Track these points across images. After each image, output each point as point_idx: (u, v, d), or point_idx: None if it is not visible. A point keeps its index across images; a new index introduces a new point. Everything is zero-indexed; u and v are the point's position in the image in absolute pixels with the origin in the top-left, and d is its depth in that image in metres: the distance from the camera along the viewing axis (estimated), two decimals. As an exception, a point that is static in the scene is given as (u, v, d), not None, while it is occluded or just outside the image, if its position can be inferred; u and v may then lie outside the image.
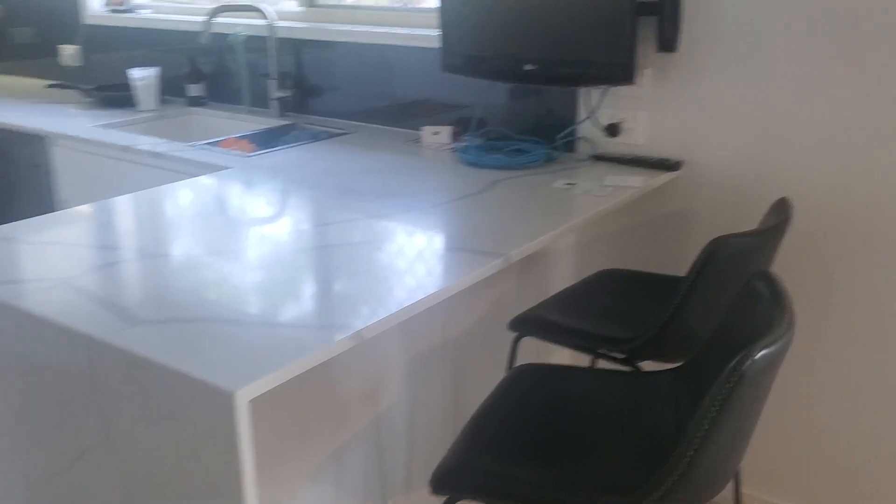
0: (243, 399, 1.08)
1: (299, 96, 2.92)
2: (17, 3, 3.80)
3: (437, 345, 1.95)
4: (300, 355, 1.17)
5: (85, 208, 1.95)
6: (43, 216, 1.89)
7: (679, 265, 2.27)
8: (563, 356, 2.47)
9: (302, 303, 1.36)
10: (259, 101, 3.01)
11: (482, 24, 2.29)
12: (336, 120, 2.85)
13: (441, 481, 1.32)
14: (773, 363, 1.14)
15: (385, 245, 1.64)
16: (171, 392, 1.16)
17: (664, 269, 2.29)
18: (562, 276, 2.47)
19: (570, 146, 2.37)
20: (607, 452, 1.40)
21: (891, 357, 2.04)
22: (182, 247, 1.67)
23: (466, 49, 2.32)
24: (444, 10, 2.35)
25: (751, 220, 2.12)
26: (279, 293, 1.41)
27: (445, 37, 2.36)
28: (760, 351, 1.09)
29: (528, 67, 2.22)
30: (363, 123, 2.80)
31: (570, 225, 1.76)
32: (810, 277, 2.08)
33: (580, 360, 2.46)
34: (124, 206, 1.95)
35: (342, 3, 2.93)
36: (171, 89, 3.19)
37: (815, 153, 2.00)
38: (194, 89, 3.11)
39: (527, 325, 1.87)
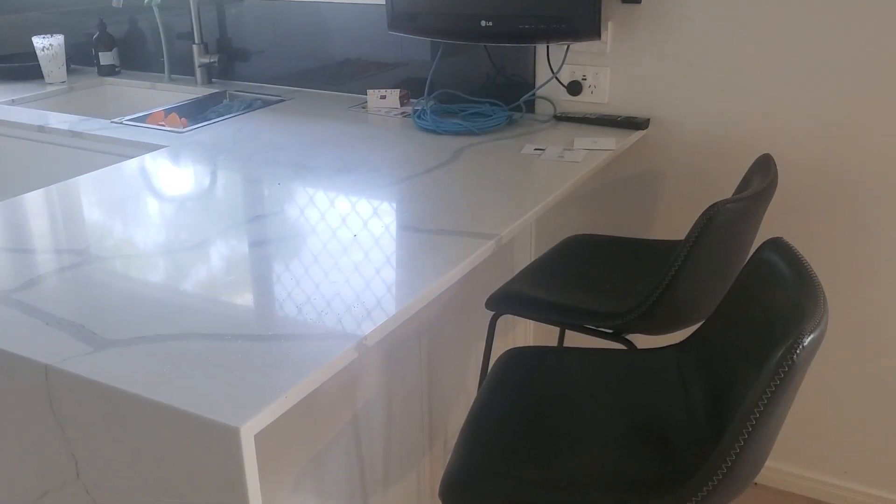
0: (249, 434, 0.94)
1: (225, 61, 2.70)
2: None
3: (410, 332, 1.83)
4: (303, 374, 1.03)
5: (8, 203, 1.73)
6: (-40, 215, 1.67)
7: (647, 229, 2.20)
8: (527, 327, 2.39)
9: (286, 308, 1.22)
10: (180, 68, 2.77)
11: (431, -22, 2.13)
12: (268, 86, 2.65)
13: (452, 493, 1.22)
14: (816, 346, 1.06)
15: (362, 233, 1.50)
16: (155, 428, 1.01)
17: (632, 233, 2.22)
18: (525, 245, 2.37)
19: (529, 106, 2.25)
20: (619, 443, 1.31)
21: (875, 316, 2.03)
22: (134, 246, 1.48)
23: (415, 5, 2.16)
24: (387, -37, 2.18)
25: (724, 181, 2.06)
26: (257, 298, 1.26)
27: (390, -7, 2.20)
28: (808, 336, 1.01)
29: (484, 24, 2.08)
30: (299, 88, 2.61)
31: (555, 196, 1.65)
32: (791, 237, 2.04)
33: (552, 332, 2.38)
34: (54, 199, 1.74)
35: (267, -43, 2.71)
36: (78, 57, 2.91)
37: (790, 106, 1.94)
38: (105, 57, 2.85)
39: (506, 302, 1.77)
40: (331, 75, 2.54)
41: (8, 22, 3.15)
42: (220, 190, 1.82)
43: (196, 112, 2.47)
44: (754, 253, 1.34)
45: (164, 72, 2.80)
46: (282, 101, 2.48)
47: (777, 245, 1.29)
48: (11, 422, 1.18)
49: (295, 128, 2.19)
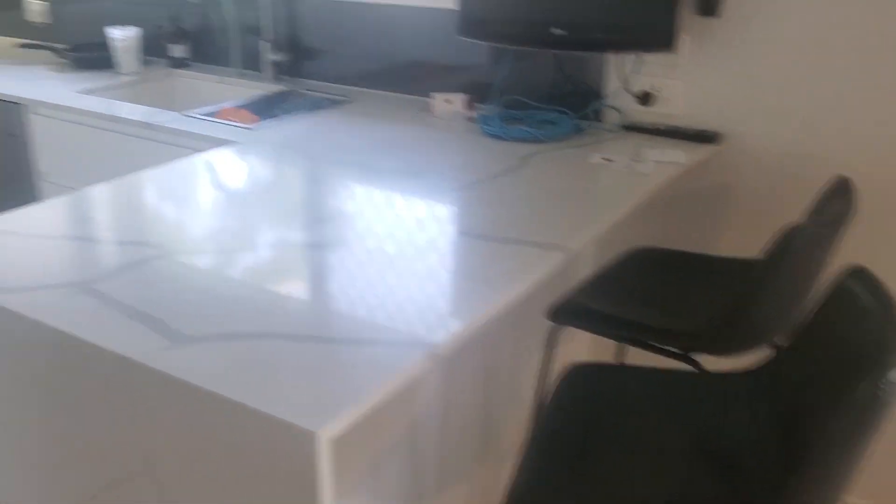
0: (326, 439, 0.95)
1: (294, 59, 2.73)
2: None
3: (468, 339, 1.83)
4: (378, 381, 1.04)
5: (86, 192, 1.77)
6: (39, 204, 1.71)
7: (712, 245, 2.17)
8: (582, 338, 2.37)
9: (357, 312, 1.23)
10: (249, 64, 2.81)
11: (504, -16, 2.12)
12: (334, 85, 2.67)
13: (517, 504, 1.22)
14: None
15: (430, 238, 1.50)
16: (230, 426, 1.03)
17: (697, 248, 2.19)
18: (584, 254, 2.36)
19: (597, 114, 2.24)
20: (686, 468, 1.30)
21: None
22: (207, 241, 1.51)
23: (487, 11, 2.16)
24: (461, -32, 2.18)
25: (795, 200, 2.02)
26: (328, 300, 1.27)
27: (463, -3, 2.20)
28: (894, 371, 0.99)
29: (555, 32, 2.07)
30: (364, 89, 2.62)
31: (625, 210, 1.64)
32: (868, 264, 1.99)
33: (607, 344, 2.37)
34: (133, 189, 1.78)
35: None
36: (151, 49, 2.97)
37: (871, 126, 1.90)
38: (177, 50, 2.90)
39: (568, 314, 1.75)
40: (396, 77, 2.55)
41: (85, 12, 3.23)
42: (290, 189, 1.84)
43: (264, 109, 2.50)
44: (836, 281, 1.31)
45: (232, 66, 2.84)
46: (348, 101, 2.50)
47: (860, 275, 1.26)
48: (86, 409, 1.21)
49: (361, 129, 2.21)
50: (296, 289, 1.31)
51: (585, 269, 2.35)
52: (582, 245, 1.49)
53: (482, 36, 2.20)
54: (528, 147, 2.04)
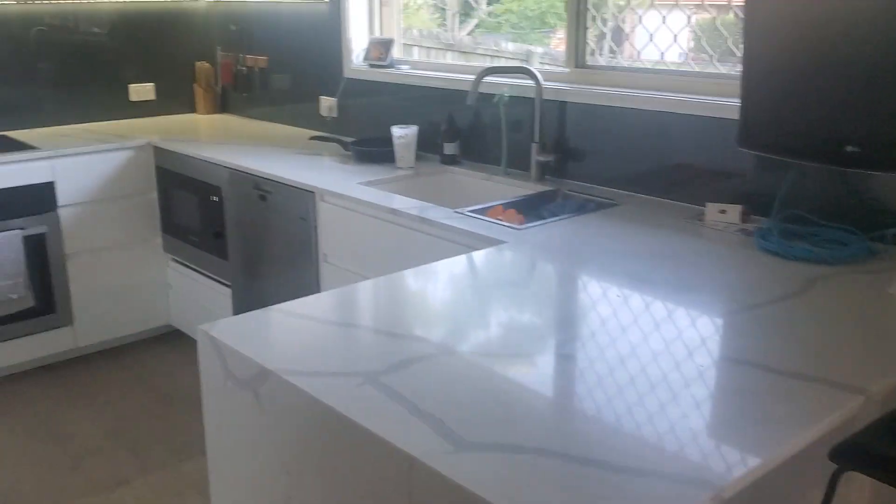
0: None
1: (561, 160, 2.79)
2: (283, 52, 3.96)
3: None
4: (664, 519, 0.99)
5: (370, 283, 1.89)
6: (329, 292, 1.84)
7: None
8: (862, 483, 2.14)
9: (634, 437, 1.18)
10: (516, 163, 2.90)
11: (794, 94, 2.04)
12: (600, 187, 2.68)
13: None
14: None
15: (706, 363, 1.43)
16: (509, 542, 1.02)
17: None
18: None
19: (894, 237, 2.06)
20: None
21: None
22: (485, 342, 1.54)
23: (771, 123, 2.08)
24: (747, 77, 2.12)
25: None
26: (604, 419, 1.24)
27: (746, 108, 2.13)
28: None
29: (849, 149, 1.95)
30: (631, 193, 2.61)
31: (934, 351, 1.48)
32: None
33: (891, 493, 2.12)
34: (412, 283, 1.87)
35: (616, 64, 2.77)
36: (425, 145, 3.16)
37: None
38: (449, 147, 3.06)
39: (857, 457, 1.59)
40: (666, 182, 2.52)
41: (368, 109, 3.52)
42: (561, 294, 1.85)
43: (530, 208, 2.56)
44: None
45: (499, 164, 2.95)
46: (615, 204, 2.49)
47: None
48: (358, 494, 1.26)
49: (629, 235, 2.19)
50: (570, 401, 1.29)
51: (870, 407, 2.14)
52: (888, 390, 1.35)
53: (765, 148, 2.12)
54: (811, 269, 1.91)
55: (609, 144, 2.65)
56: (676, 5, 2.60)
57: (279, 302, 1.72)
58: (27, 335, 3.46)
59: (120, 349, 3.78)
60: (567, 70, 2.85)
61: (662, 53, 2.65)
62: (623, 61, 2.78)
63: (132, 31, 4.16)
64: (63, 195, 3.43)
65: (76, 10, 3.99)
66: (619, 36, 2.81)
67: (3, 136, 3.73)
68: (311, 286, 2.90)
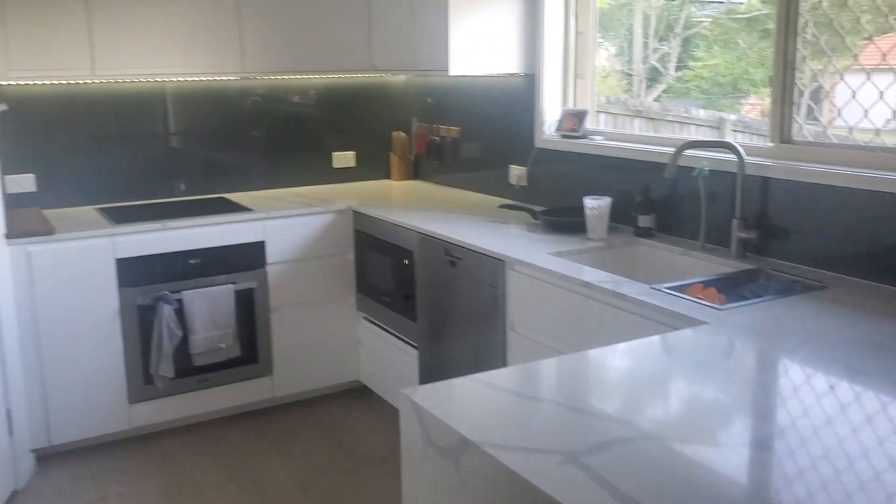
0: None
1: (763, 237, 2.68)
2: (475, 122, 4.10)
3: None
4: None
5: (564, 358, 1.89)
6: (525, 365, 1.86)
7: None
8: None
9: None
10: (714, 238, 2.82)
11: None
12: (806, 268, 2.55)
13: None
14: None
15: (943, 467, 1.32)
16: None
17: None
18: None
19: None
20: None
21: None
22: (683, 427, 1.50)
23: None
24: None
25: None
26: (827, 522, 1.17)
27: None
28: None
29: None
30: (840, 275, 2.46)
31: None
32: None
33: None
34: (607, 360, 1.86)
35: (825, 140, 2.66)
36: (617, 216, 3.14)
37: None
38: (644, 220, 3.03)
39: None
40: (881, 265, 2.36)
41: (559, 178, 3.56)
42: (764, 380, 1.78)
43: (729, 287, 2.47)
44: None
45: (696, 238, 2.88)
46: (823, 287, 2.36)
47: None
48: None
49: (840, 321, 2.06)
50: (767, 497, 1.23)
51: None
52: None
53: None
54: None
55: (817, 223, 2.53)
56: (881, 66, 2.47)
57: (465, 366, 1.76)
58: (232, 382, 3.71)
59: (311, 401, 3.97)
60: (771, 145, 2.76)
61: (866, 111, 2.51)
62: (832, 136, 2.66)
63: (336, 104, 4.45)
64: (272, 254, 3.69)
65: (287, 84, 4.33)
66: (817, 96, 2.70)
67: (221, 197, 4.08)
68: (497, 354, 2.93)
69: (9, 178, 3.65)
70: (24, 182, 3.75)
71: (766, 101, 4.55)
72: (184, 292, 3.49)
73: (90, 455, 3.47)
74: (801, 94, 2.70)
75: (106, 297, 3.38)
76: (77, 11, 3.45)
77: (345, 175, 4.50)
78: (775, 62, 2.74)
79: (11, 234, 3.21)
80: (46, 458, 3.42)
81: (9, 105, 3.61)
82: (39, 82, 3.60)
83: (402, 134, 4.57)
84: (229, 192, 4.18)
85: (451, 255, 3.15)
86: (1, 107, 3.52)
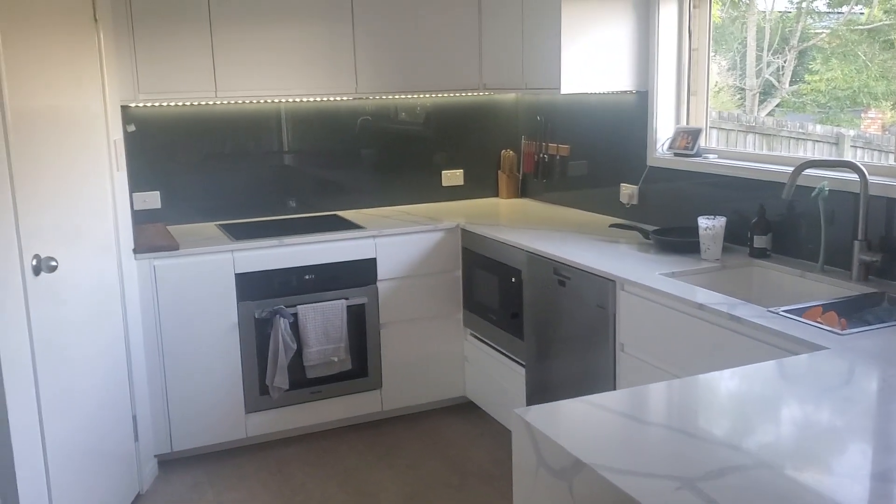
0: None
1: (887, 260, 2.57)
2: (585, 140, 4.08)
3: None
4: None
5: (677, 382, 1.86)
6: (638, 388, 1.85)
7: None
8: None
9: None
10: (833, 261, 2.72)
11: None
12: (936, 292, 2.43)
13: None
14: None
15: None
16: None
17: None
18: None
19: None
20: None
21: None
22: (804, 457, 1.46)
23: None
24: None
25: None
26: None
27: None
28: None
29: None
30: (973, 300, 2.34)
31: None
32: None
33: None
34: (723, 384, 1.82)
35: (956, 158, 2.53)
36: (731, 236, 3.07)
37: None
38: (760, 240, 2.95)
39: None
40: None
41: (671, 197, 3.50)
42: (891, 410, 1.70)
43: (850, 311, 2.38)
44: None
45: (814, 260, 2.78)
46: (955, 313, 2.25)
47: None
48: None
49: (976, 350, 1.96)
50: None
51: None
52: None
53: None
54: None
55: (947, 245, 2.41)
56: None
57: (573, 386, 1.76)
58: (343, 395, 3.81)
59: (418, 416, 4.02)
60: (896, 164, 2.65)
61: None
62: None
63: (445, 122, 4.52)
64: (382, 270, 3.77)
65: (397, 103, 4.42)
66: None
67: (334, 215, 4.20)
68: (606, 375, 2.91)
69: (136, 195, 3.86)
70: (150, 199, 3.96)
71: (888, 115, 4.35)
72: (299, 307, 3.60)
73: (209, 462, 3.61)
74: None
75: (225, 310, 3.53)
76: (201, 36, 3.63)
77: (453, 193, 4.56)
78: (902, 77, 2.62)
79: (139, 249, 3.40)
80: (168, 463, 3.58)
81: (136, 126, 3.82)
82: (165, 104, 3.81)
83: (511, 152, 4.59)
84: (340, 209, 4.29)
85: (560, 274, 3.15)
86: (130, 128, 3.74)
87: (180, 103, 3.84)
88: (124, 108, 3.57)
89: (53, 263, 2.60)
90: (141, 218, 3.85)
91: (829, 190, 2.71)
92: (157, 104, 3.78)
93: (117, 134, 3.30)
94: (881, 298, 2.47)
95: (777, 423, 1.65)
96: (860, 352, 1.96)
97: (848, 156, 4.26)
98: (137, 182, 3.85)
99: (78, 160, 2.97)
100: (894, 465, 1.43)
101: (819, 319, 2.24)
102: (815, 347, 2.01)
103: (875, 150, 4.58)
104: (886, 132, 3.91)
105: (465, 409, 4.05)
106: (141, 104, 3.70)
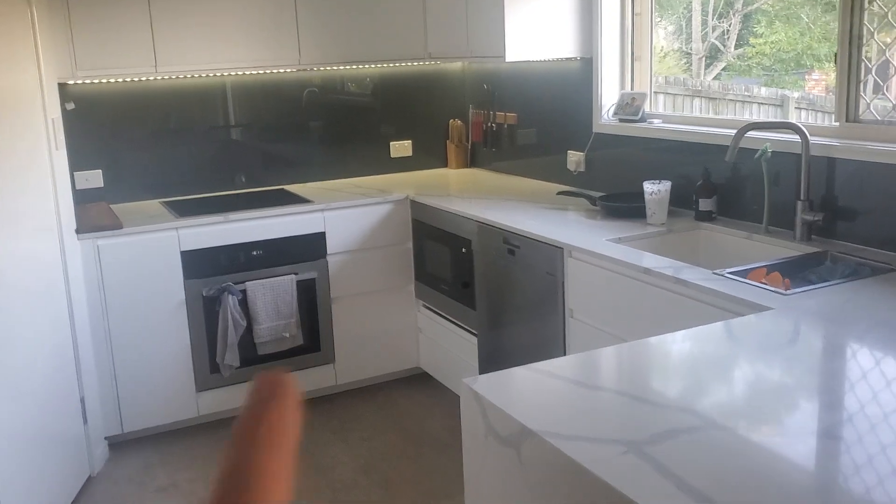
0: None
1: (828, 220, 2.62)
2: (532, 108, 4.07)
3: None
4: None
5: (623, 347, 1.88)
6: (583, 353, 1.86)
7: None
8: None
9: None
10: (777, 221, 2.77)
11: None
12: (875, 250, 2.48)
13: None
14: None
15: None
16: None
17: None
18: None
19: None
20: None
21: None
22: (751, 417, 1.48)
23: None
24: None
25: None
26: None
27: None
28: None
29: None
30: (910, 257, 2.40)
31: None
32: None
33: None
34: (669, 348, 1.84)
35: (894, 119, 2.58)
36: (676, 200, 3.09)
37: None
38: (705, 203, 2.98)
39: None
40: (954, 247, 2.29)
41: (616, 163, 3.52)
42: (833, 367, 1.74)
43: (794, 271, 2.42)
44: None
45: (759, 222, 2.82)
46: (892, 270, 2.30)
47: None
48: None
49: (913, 305, 2.01)
50: (835, 484, 1.21)
51: None
52: None
53: None
54: None
55: (885, 204, 2.46)
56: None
57: (525, 353, 1.77)
58: (295, 370, 3.78)
59: (373, 388, 4.01)
60: (836, 125, 2.69)
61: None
62: (902, 114, 2.58)
63: (392, 93, 4.47)
64: (332, 244, 3.74)
65: (343, 74, 4.36)
66: (885, 71, 2.61)
67: (281, 189, 4.14)
68: (556, 341, 2.93)
69: (78, 174, 3.76)
70: (93, 178, 3.86)
71: (831, 77, 4.42)
72: (247, 283, 3.56)
73: (160, 442, 3.57)
74: (868, 70, 2.62)
75: (172, 288, 3.47)
76: (139, 11, 3.53)
77: (402, 164, 4.52)
78: (840, 37, 2.66)
79: (81, 229, 3.31)
80: (119, 445, 3.53)
81: (76, 104, 3.71)
82: (105, 80, 3.70)
83: (459, 122, 4.57)
84: (288, 183, 4.24)
85: (510, 243, 3.15)
86: (69, 106, 3.63)
87: (120, 80, 3.74)
88: (62, 86, 3.47)
89: (-11, 246, 2.53)
90: (83, 197, 3.75)
91: (772, 151, 2.74)
92: (96, 81, 3.67)
93: (55, 112, 3.20)
94: (824, 257, 2.52)
95: (725, 383, 1.67)
96: (804, 311, 2.00)
97: (792, 117, 4.32)
98: (79, 161, 3.75)
99: (14, 140, 2.88)
100: (838, 421, 1.46)
101: (763, 280, 2.27)
102: (760, 308, 2.04)
103: (819, 111, 4.65)
104: (830, 93, 3.97)
105: (419, 380, 4.06)
106: (79, 81, 3.59)
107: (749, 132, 2.72)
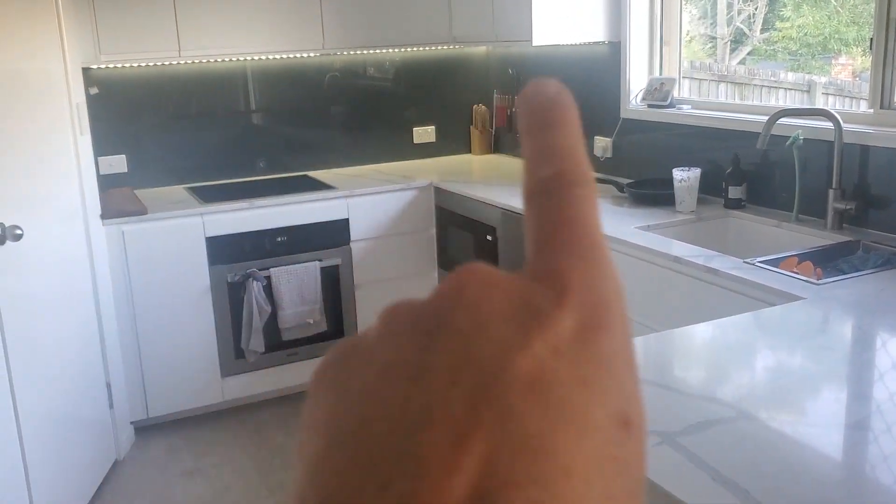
0: None
1: (861, 208, 2.57)
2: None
3: None
4: None
5: (654, 336, 1.86)
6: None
7: None
8: None
9: None
10: (808, 210, 2.72)
11: None
12: (909, 239, 2.44)
13: None
14: None
15: None
16: None
17: None
18: None
19: None
20: None
21: None
22: (787, 407, 1.46)
23: None
24: None
25: None
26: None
27: None
28: None
29: None
30: (946, 246, 2.35)
31: None
32: None
33: None
34: (701, 337, 1.82)
35: (930, 104, 2.53)
36: (707, 187, 3.05)
37: None
38: (734, 191, 2.94)
39: None
40: None
41: (645, 149, 3.48)
42: (868, 357, 1.71)
43: (825, 260, 2.38)
44: None
45: (789, 210, 2.78)
46: (928, 259, 2.26)
47: None
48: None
49: (950, 296, 1.96)
50: (873, 476, 1.18)
51: None
52: None
53: None
54: None
55: (920, 192, 2.41)
56: None
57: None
58: (319, 356, 3.76)
59: (396, 375, 4.01)
60: (870, 112, 2.64)
61: None
62: (939, 100, 2.52)
63: (416, 78, 4.44)
64: (355, 231, 3.73)
65: (366, 58, 4.33)
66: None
67: (304, 175, 4.14)
68: (583, 328, 2.90)
69: (101, 159, 3.77)
70: (116, 163, 3.87)
71: (858, 62, 4.34)
72: (272, 269, 3.56)
73: (185, 427, 3.59)
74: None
75: (197, 274, 3.48)
76: (163, -5, 3.53)
77: (425, 150, 4.50)
78: (876, 21, 2.60)
79: (106, 215, 3.32)
80: (144, 429, 3.56)
81: (100, 88, 3.72)
82: (128, 65, 3.70)
83: (483, 107, 4.53)
84: (310, 169, 4.22)
85: (535, 229, 3.12)
86: (92, 90, 3.63)
87: (143, 64, 3.74)
88: (86, 71, 3.47)
89: (19, 232, 2.53)
90: (107, 183, 3.76)
91: (804, 139, 2.69)
92: (119, 66, 3.67)
93: (79, 97, 3.21)
94: (856, 247, 2.47)
95: (756, 374, 1.65)
96: (836, 301, 1.97)
97: (819, 103, 4.25)
98: (103, 146, 3.76)
99: (39, 125, 2.88)
100: (870, 412, 1.44)
101: (795, 270, 2.24)
102: (791, 298, 2.01)
103: (847, 96, 4.57)
104: (857, 78, 3.90)
105: (442, 367, 4.05)
106: (103, 66, 3.59)
107: (780, 119, 2.67)
